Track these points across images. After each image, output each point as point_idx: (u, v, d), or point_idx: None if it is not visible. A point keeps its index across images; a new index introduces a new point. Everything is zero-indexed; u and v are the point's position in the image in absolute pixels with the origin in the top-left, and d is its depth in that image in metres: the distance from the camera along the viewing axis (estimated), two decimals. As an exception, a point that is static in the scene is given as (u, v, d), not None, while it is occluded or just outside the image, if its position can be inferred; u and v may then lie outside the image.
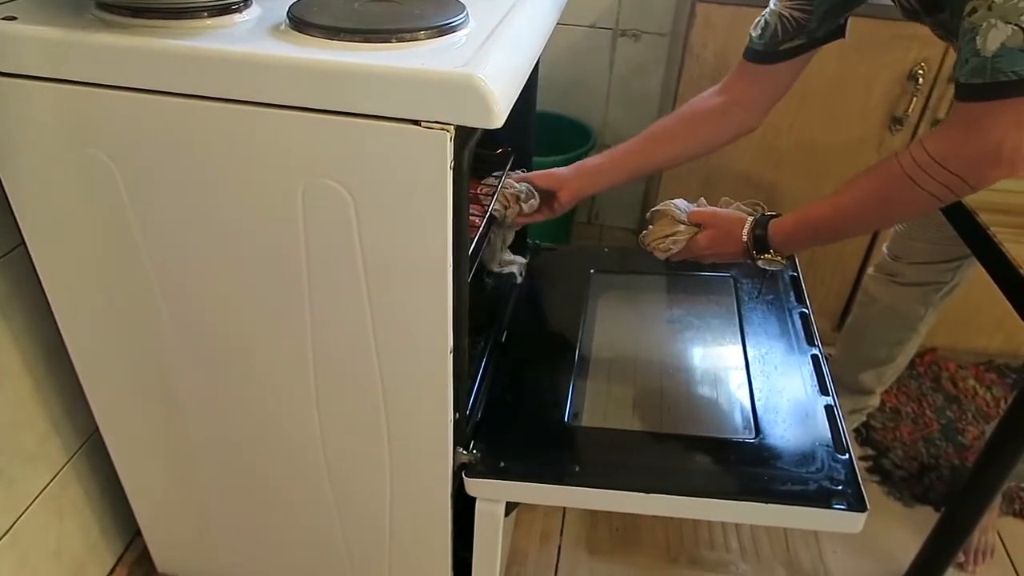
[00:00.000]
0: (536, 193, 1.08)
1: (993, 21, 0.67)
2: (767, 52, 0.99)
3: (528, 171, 1.16)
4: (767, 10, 0.98)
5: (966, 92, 0.72)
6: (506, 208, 1.07)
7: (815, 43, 0.98)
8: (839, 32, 0.97)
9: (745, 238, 0.93)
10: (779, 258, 0.93)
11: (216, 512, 1.05)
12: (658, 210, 1.03)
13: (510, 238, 1.17)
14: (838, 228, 0.88)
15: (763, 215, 0.94)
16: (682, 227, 0.99)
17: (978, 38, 0.69)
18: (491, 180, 1.08)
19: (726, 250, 0.96)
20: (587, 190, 1.08)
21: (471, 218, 1.04)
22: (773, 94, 1.03)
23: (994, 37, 0.68)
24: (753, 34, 1.00)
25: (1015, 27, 0.66)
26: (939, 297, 1.27)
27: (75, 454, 1.05)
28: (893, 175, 0.79)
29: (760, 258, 0.93)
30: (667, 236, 0.99)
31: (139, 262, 0.79)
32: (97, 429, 0.99)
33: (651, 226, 1.03)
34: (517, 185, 1.08)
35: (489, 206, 1.06)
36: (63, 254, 0.81)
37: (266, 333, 0.82)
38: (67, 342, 0.89)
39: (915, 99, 1.41)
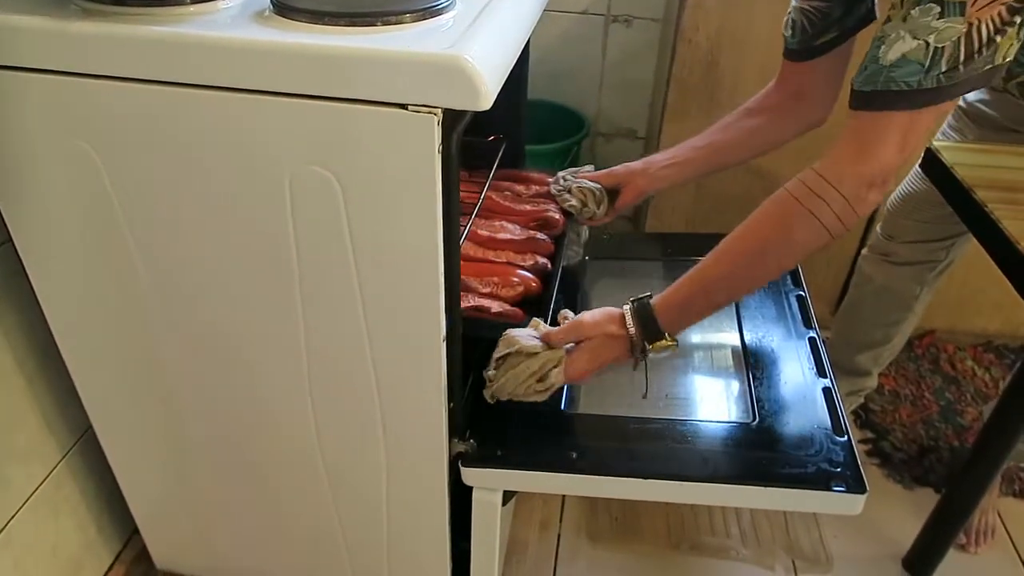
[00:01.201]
0: (605, 195, 1.07)
1: (902, 33, 0.67)
2: (803, 50, 0.96)
3: (523, 160, 1.16)
4: (791, 7, 0.96)
5: (856, 99, 0.71)
6: (583, 204, 1.07)
7: (848, 33, 0.94)
8: (869, 16, 0.94)
9: (632, 330, 0.82)
10: (671, 342, 0.82)
11: (213, 507, 1.04)
12: (504, 355, 0.86)
13: (584, 234, 1.18)
14: (733, 281, 0.80)
15: (639, 301, 0.83)
16: (545, 354, 0.85)
17: (883, 47, 0.69)
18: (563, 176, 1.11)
19: (609, 357, 0.85)
20: (651, 188, 1.07)
21: (551, 214, 1.06)
22: (829, 83, 0.99)
23: (897, 48, 0.67)
24: (786, 34, 0.98)
25: (921, 42, 0.66)
26: (933, 276, 1.27)
27: (69, 452, 1.04)
28: (788, 208, 0.75)
29: (652, 348, 0.82)
30: (534, 375, 0.85)
31: (127, 254, 0.78)
32: (91, 426, 0.98)
33: (500, 372, 0.86)
34: (591, 184, 1.07)
35: (563, 202, 1.08)
36: (50, 248, 0.80)
37: (257, 324, 0.81)
38: (57, 338, 0.89)
39: None
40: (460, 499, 0.92)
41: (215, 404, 0.90)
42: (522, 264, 0.99)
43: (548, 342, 0.86)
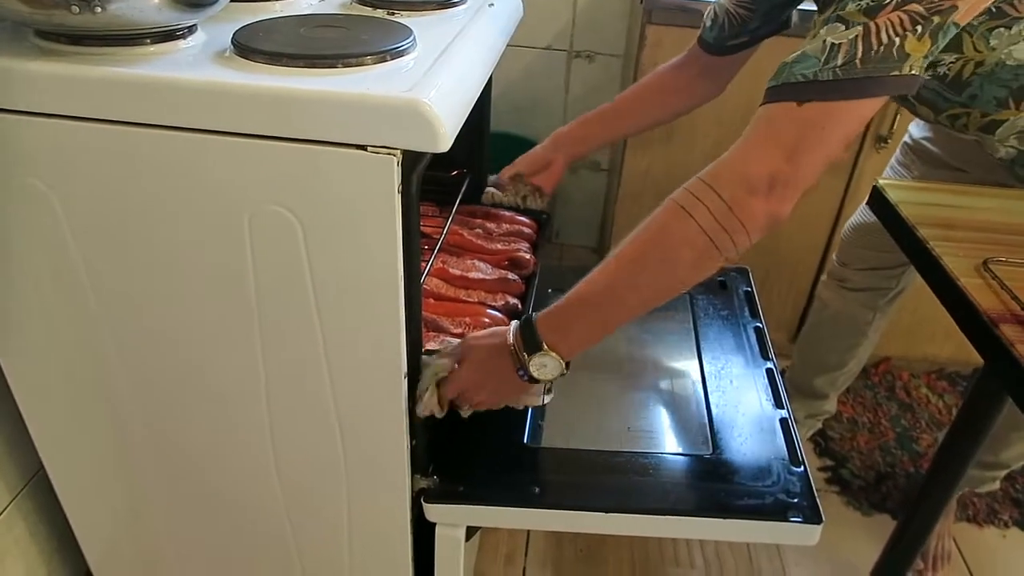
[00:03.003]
0: (531, 187, 1.14)
1: (811, 42, 0.68)
2: (716, 45, 1.03)
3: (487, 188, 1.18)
4: (717, 1, 1.02)
5: (763, 97, 0.69)
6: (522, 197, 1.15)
7: (758, 39, 1.02)
8: (785, 25, 1.01)
9: (511, 340, 0.78)
10: (554, 355, 0.76)
11: (169, 548, 1.02)
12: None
13: None
14: (612, 289, 0.74)
15: (527, 313, 0.81)
16: (427, 370, 0.82)
17: (793, 54, 0.70)
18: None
19: (494, 369, 0.80)
20: (570, 159, 1.14)
21: (522, 254, 1.07)
22: (732, 70, 1.08)
23: (802, 47, 0.69)
24: (706, 23, 1.04)
25: (820, 41, 0.67)
26: (885, 302, 1.31)
27: (19, 493, 1.01)
28: (666, 209, 0.72)
29: (532, 360, 0.76)
30: (425, 391, 0.81)
31: (82, 291, 0.77)
32: (42, 466, 0.95)
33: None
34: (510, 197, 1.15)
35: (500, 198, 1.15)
36: (1, 287, 0.79)
37: (216, 363, 0.80)
38: (8, 376, 0.86)
39: (900, 116, 1.43)
40: (423, 534, 0.91)
41: (172, 443, 0.89)
42: (493, 304, 0.99)
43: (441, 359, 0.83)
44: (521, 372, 0.78)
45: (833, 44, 0.66)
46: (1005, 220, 0.85)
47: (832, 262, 1.36)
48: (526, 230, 1.14)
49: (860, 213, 1.29)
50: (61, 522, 1.01)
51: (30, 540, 1.04)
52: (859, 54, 0.65)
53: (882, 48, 0.65)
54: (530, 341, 0.77)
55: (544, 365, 0.77)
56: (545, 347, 0.76)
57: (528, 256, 1.07)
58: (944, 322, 1.75)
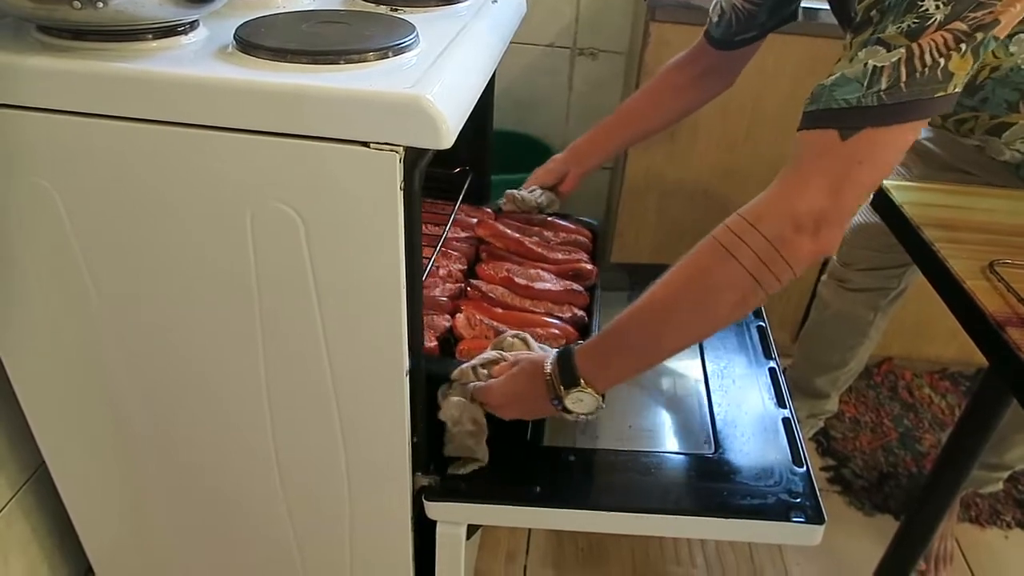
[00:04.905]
0: (550, 194, 1.15)
1: (848, 66, 0.66)
2: (724, 41, 1.02)
3: (489, 191, 1.17)
4: None
5: (801, 121, 0.67)
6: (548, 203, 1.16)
7: (767, 32, 1.01)
8: (791, 17, 1.01)
9: (549, 370, 0.78)
10: (591, 391, 0.76)
11: (170, 546, 1.02)
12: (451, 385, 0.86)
13: None
14: (651, 328, 0.73)
15: (568, 345, 0.81)
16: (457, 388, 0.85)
17: (830, 76, 0.67)
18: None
19: (529, 392, 0.80)
20: (586, 170, 1.15)
21: (584, 265, 1.07)
22: (741, 63, 1.07)
23: (839, 69, 0.66)
24: (712, 18, 1.03)
25: (861, 64, 0.64)
26: (886, 303, 1.31)
27: (20, 489, 1.01)
28: (707, 248, 0.70)
29: (569, 395, 0.77)
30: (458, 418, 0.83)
31: (83, 289, 0.77)
32: (44, 462, 0.95)
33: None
34: (529, 196, 1.15)
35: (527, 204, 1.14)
36: (3, 283, 0.79)
37: (217, 359, 0.80)
38: (9, 372, 0.86)
39: None
40: (424, 533, 0.91)
41: (173, 440, 0.89)
42: (561, 315, 0.99)
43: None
44: (556, 403, 0.79)
45: (875, 67, 0.63)
46: (1011, 222, 0.85)
47: (833, 262, 1.36)
48: (581, 238, 1.14)
49: (861, 214, 1.28)
50: (63, 519, 1.01)
51: (32, 537, 1.04)
52: (903, 77, 0.62)
53: (926, 70, 0.62)
54: (568, 375, 0.77)
55: (581, 400, 0.77)
56: (583, 383, 0.76)
57: (590, 267, 1.07)
58: (947, 322, 1.74)
